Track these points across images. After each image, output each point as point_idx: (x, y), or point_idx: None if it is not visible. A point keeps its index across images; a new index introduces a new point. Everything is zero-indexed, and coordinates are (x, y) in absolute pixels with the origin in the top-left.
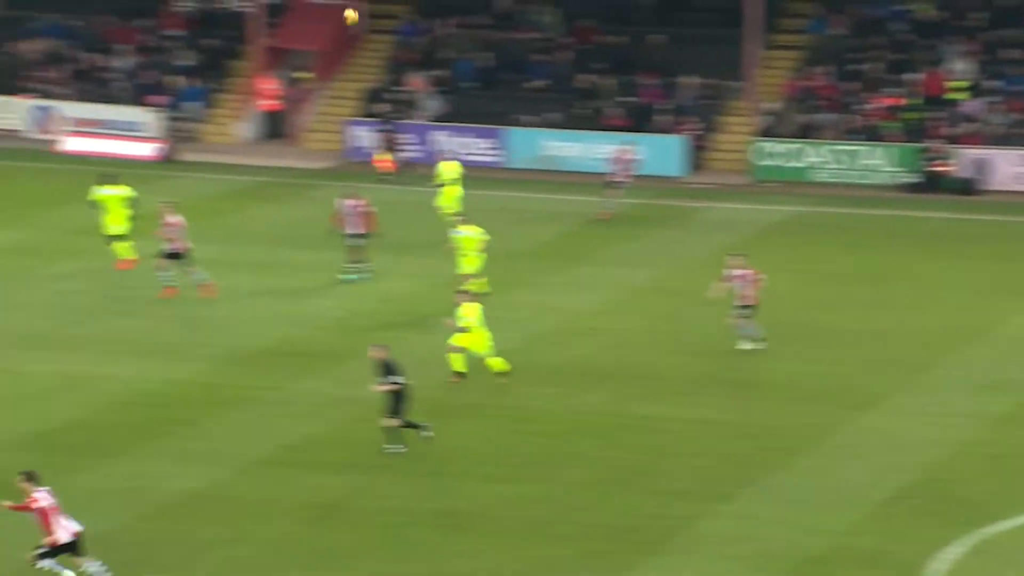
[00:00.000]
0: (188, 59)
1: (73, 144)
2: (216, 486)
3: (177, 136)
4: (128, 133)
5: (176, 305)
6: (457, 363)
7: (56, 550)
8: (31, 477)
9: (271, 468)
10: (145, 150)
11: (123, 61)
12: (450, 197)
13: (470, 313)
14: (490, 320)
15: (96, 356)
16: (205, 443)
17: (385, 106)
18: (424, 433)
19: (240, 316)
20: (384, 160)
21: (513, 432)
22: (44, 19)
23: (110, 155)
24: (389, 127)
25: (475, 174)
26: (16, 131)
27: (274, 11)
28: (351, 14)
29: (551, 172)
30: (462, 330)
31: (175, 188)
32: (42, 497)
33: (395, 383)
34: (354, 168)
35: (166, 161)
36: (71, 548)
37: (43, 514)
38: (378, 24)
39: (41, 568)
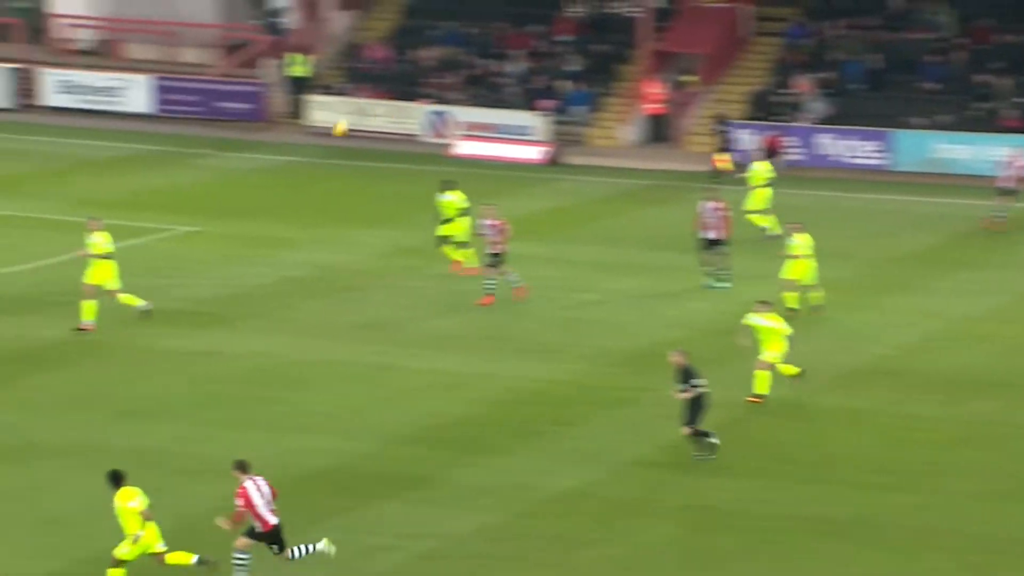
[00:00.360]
0: (577, 64)
1: (465, 148)
2: (593, 486)
3: (563, 139)
4: (517, 137)
5: (555, 306)
6: (762, 384)
7: (257, 536)
8: (242, 467)
9: (647, 469)
10: (532, 153)
11: (515, 66)
12: (760, 199)
13: (775, 322)
14: (874, 325)
15: (478, 354)
16: (582, 443)
17: (723, 108)
18: (710, 440)
19: (617, 318)
20: (723, 160)
21: (897, 440)
22: (442, 27)
23: (499, 158)
24: (726, 128)
25: (860, 177)
26: (414, 136)
27: (662, 15)
28: (341, 126)
29: (939, 175)
30: (762, 342)
31: (559, 190)
32: (251, 488)
33: (697, 388)
34: (737, 170)
35: (552, 164)
36: (269, 538)
37: (250, 506)
38: (765, 27)
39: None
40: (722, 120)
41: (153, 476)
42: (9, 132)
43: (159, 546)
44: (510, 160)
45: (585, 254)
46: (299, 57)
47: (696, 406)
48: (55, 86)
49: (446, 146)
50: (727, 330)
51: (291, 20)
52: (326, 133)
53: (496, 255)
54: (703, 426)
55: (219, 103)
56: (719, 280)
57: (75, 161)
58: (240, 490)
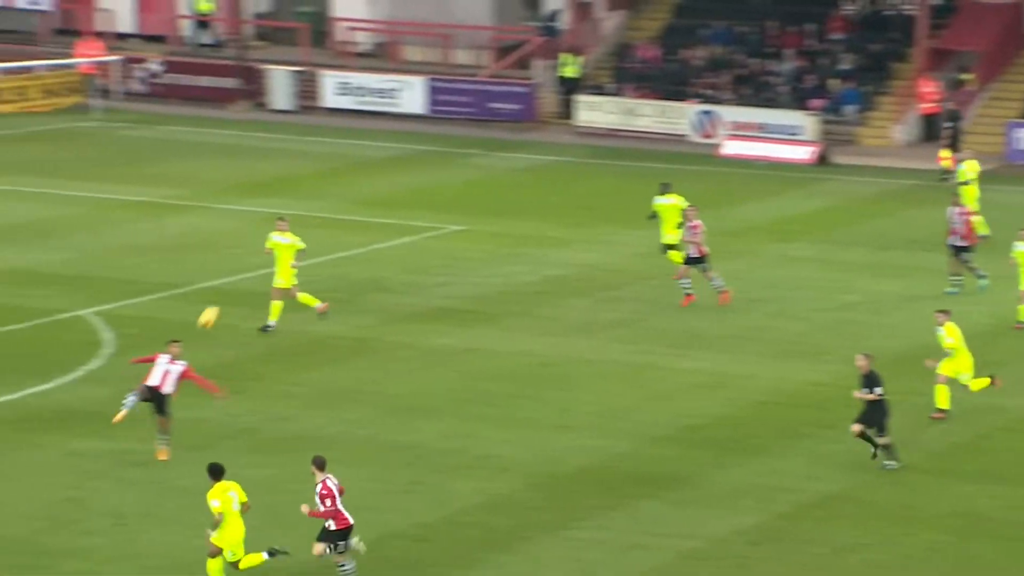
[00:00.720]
0: (849, 62)
1: (732, 147)
2: (856, 489)
3: (833, 139)
4: (785, 136)
5: (819, 307)
6: (942, 398)
7: (329, 536)
8: (321, 464)
9: (911, 474)
10: (801, 153)
11: (786, 65)
12: (970, 197)
13: (952, 334)
14: None
15: (739, 354)
16: (845, 445)
17: (950, 103)
18: (887, 449)
19: (883, 320)
20: (946, 158)
21: None
22: (713, 27)
23: (766, 158)
24: (953, 124)
25: None
26: (682, 135)
27: (940, 12)
28: (208, 316)
29: None
30: (946, 354)
31: (827, 191)
32: (332, 486)
33: (878, 393)
34: (1016, 171)
35: (820, 164)
36: (340, 536)
37: (335, 503)
38: None
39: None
40: (953, 116)
41: (415, 471)
42: (290, 133)
43: (238, 545)
44: (778, 160)
45: (852, 255)
46: (570, 58)
47: (875, 410)
48: (334, 88)
49: (714, 146)
50: (994, 332)
51: (563, 21)
52: (595, 133)
53: (700, 257)
54: (885, 433)
55: (490, 104)
56: (980, 279)
57: (351, 161)
58: (326, 489)
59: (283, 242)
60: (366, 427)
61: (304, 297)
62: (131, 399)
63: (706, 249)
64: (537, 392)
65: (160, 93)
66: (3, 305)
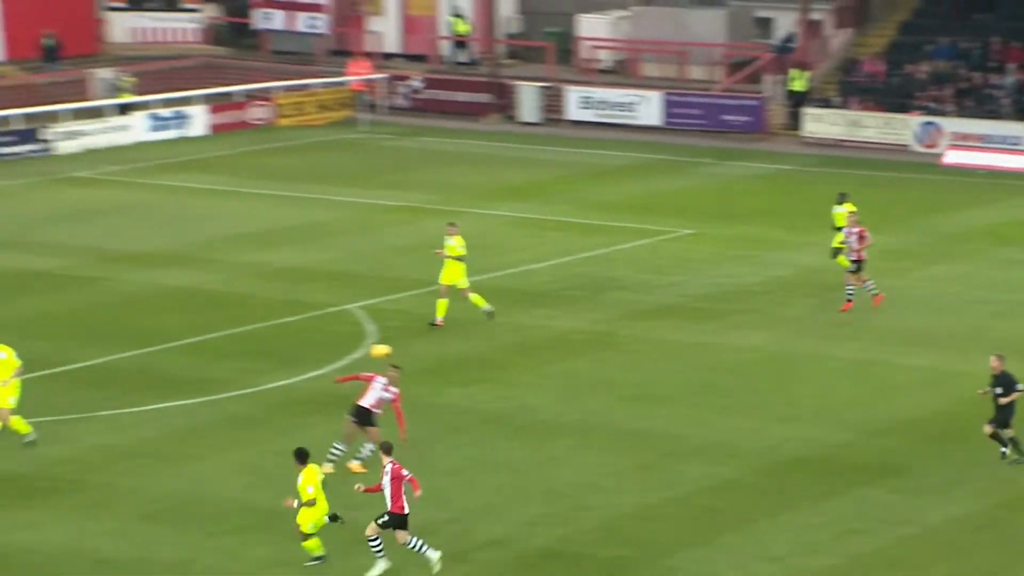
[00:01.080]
0: None
1: (954, 157)
2: None
3: None
4: (1007, 147)
5: None
6: None
7: (393, 520)
8: (388, 449)
9: None
10: (1022, 163)
11: (1008, 79)
12: None
13: None
14: None
15: (957, 352)
16: None
17: None
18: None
19: None
20: None
21: None
22: (938, 42)
23: (987, 167)
24: None
25: None
26: (905, 146)
27: None
28: (380, 350)
29: None
30: None
31: None
32: (396, 468)
33: (1020, 389)
34: None
35: None
36: (401, 523)
37: (397, 485)
38: None
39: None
40: None
41: (646, 455)
42: (536, 144)
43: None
44: (1000, 169)
45: None
46: (798, 72)
47: (1007, 411)
48: (578, 102)
49: (936, 156)
50: None
51: (794, 39)
52: (821, 143)
53: (857, 262)
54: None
55: (722, 116)
56: None
57: (592, 169)
58: (395, 467)
59: (453, 244)
60: (602, 415)
61: (475, 298)
62: (367, 450)
63: (865, 256)
64: (763, 385)
65: (420, 107)
66: (281, 299)
